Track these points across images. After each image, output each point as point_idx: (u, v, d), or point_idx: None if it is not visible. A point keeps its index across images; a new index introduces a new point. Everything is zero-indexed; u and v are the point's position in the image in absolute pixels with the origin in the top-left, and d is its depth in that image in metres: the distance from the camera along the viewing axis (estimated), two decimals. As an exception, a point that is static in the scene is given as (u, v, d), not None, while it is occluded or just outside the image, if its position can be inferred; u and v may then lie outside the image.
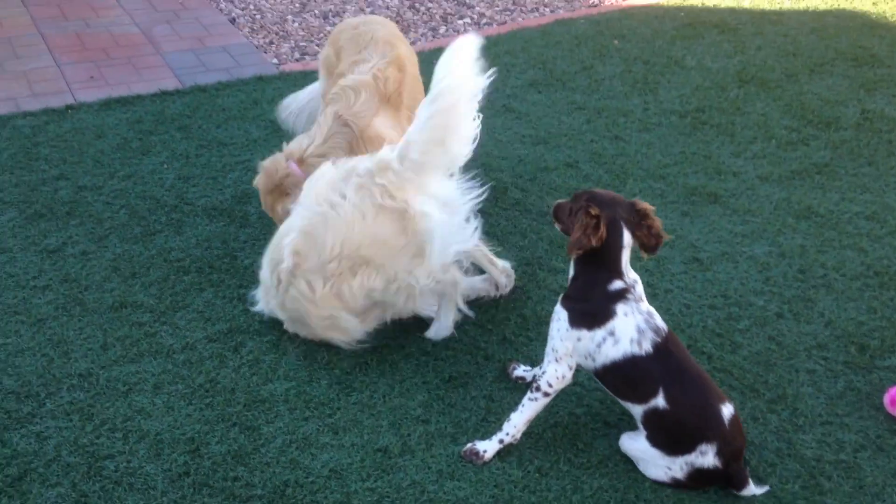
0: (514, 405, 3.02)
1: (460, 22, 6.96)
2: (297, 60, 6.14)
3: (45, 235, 4.02)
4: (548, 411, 3.11)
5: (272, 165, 3.70)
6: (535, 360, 3.37)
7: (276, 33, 6.59)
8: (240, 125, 5.10)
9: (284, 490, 2.80)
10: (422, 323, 3.55)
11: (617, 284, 2.83)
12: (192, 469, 2.85)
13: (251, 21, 6.76)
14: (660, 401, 2.76)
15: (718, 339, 3.54)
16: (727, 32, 6.64)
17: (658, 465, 2.86)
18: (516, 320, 3.61)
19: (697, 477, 2.80)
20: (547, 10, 7.22)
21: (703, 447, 2.74)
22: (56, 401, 3.11)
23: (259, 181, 3.76)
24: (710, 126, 5.26)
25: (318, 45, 6.37)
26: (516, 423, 2.95)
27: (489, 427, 3.07)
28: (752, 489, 2.83)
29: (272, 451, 2.94)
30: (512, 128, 5.20)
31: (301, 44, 6.43)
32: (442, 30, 6.81)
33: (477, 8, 7.22)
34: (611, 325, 2.79)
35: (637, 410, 2.84)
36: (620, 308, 2.81)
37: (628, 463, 2.96)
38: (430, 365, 3.37)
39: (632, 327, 2.79)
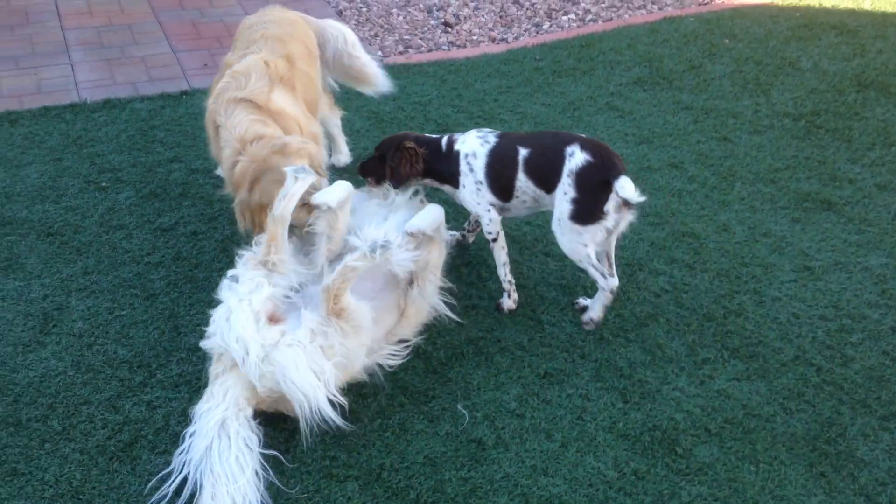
0: (610, 405, 2.98)
1: (565, 18, 6.88)
2: (400, 53, 6.20)
3: (159, 214, 4.18)
4: (646, 415, 3.06)
5: (258, 156, 3.32)
6: (632, 360, 3.32)
7: (381, 26, 6.67)
8: (344, 115, 5.18)
9: (380, 473, 2.84)
10: (516, 317, 3.54)
11: (456, 138, 3.52)
12: (290, 447, 2.93)
13: (357, 14, 6.87)
14: (523, 153, 3.34)
15: (829, 351, 3.40)
16: (846, 34, 6.36)
17: (563, 205, 3.25)
18: (615, 320, 3.56)
19: (582, 184, 3.18)
20: (655, 7, 7.07)
21: (569, 149, 3.23)
22: (166, 372, 3.24)
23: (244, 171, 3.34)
24: (826, 131, 5.05)
25: (421, 39, 6.42)
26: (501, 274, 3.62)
27: (585, 426, 3.04)
28: (626, 186, 3.08)
29: (369, 435, 2.99)
30: (614, 126, 5.12)
31: (405, 37, 6.48)
32: (546, 25, 6.75)
33: (582, 4, 7.13)
34: (458, 157, 3.46)
35: (523, 178, 3.35)
36: (461, 149, 3.47)
37: (731, 472, 2.87)
38: (525, 360, 3.35)
39: (472, 139, 3.47)
